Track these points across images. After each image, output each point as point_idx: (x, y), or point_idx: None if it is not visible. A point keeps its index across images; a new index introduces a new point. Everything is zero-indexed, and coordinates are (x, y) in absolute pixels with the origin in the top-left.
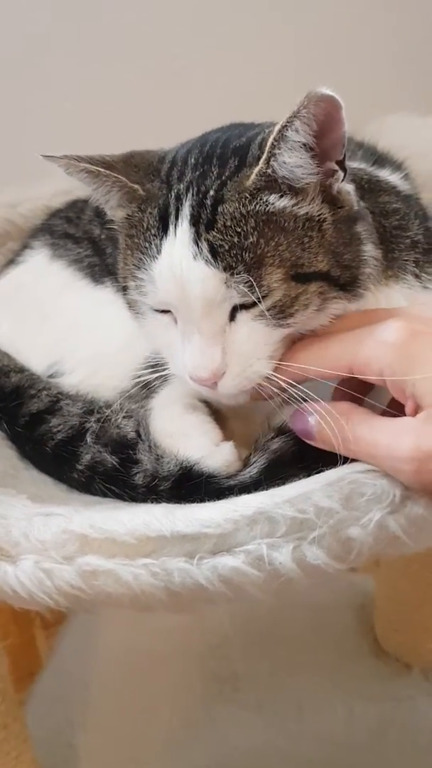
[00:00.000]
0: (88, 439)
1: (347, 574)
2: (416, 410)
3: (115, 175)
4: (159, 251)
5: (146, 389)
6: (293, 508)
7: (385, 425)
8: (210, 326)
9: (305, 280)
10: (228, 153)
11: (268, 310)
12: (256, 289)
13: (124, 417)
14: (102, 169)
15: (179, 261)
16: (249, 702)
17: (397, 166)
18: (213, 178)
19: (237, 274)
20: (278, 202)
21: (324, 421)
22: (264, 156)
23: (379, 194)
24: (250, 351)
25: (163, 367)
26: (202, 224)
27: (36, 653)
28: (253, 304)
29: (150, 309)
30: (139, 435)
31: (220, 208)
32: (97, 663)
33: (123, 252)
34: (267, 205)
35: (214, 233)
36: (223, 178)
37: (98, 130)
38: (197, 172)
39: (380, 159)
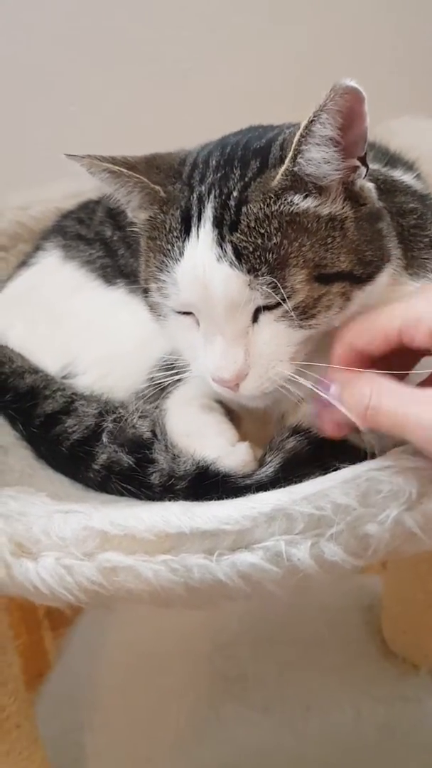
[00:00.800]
0: (104, 438)
1: (355, 575)
2: None
3: (137, 175)
4: (182, 253)
5: (160, 390)
6: (311, 505)
7: (416, 393)
8: (233, 328)
9: (328, 281)
10: (249, 155)
11: (291, 311)
12: (281, 290)
13: (139, 417)
14: (124, 170)
15: (202, 263)
16: (257, 702)
17: (409, 167)
18: (235, 179)
19: (261, 276)
20: (302, 203)
21: (348, 391)
22: (290, 154)
23: (395, 194)
24: (272, 352)
25: (177, 368)
26: (225, 226)
27: (44, 654)
28: (276, 305)
29: (172, 311)
30: (155, 435)
31: (243, 209)
32: (106, 663)
33: (145, 254)
34: (291, 206)
35: (238, 235)
36: (246, 179)
37: (105, 133)
38: (219, 174)
39: (392, 159)
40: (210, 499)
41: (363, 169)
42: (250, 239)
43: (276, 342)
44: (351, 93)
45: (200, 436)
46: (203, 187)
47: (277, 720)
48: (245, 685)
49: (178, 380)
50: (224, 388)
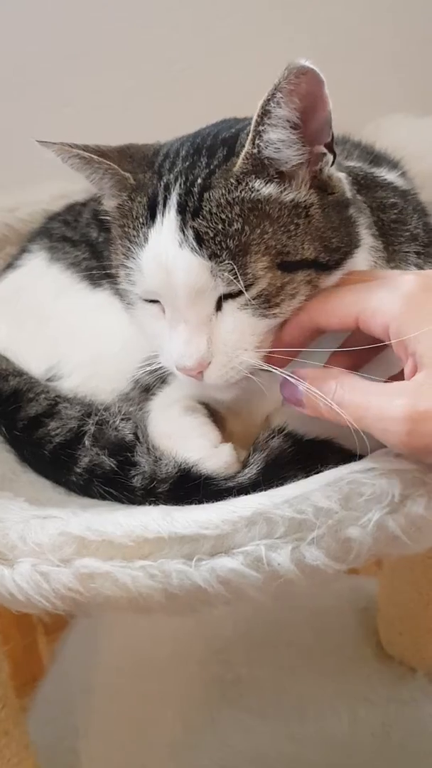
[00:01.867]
0: (86, 441)
1: (350, 576)
2: (415, 371)
3: (107, 162)
4: (146, 239)
5: (145, 391)
6: (292, 508)
7: (377, 387)
8: (195, 315)
9: (292, 269)
10: (217, 143)
11: (253, 299)
12: (240, 277)
13: (122, 419)
14: (94, 156)
15: (165, 249)
16: (252, 706)
17: (393, 165)
18: (202, 167)
19: (222, 262)
20: (264, 189)
21: (314, 387)
22: (249, 136)
23: (376, 189)
24: (235, 341)
25: (160, 368)
26: (188, 212)
27: (38, 658)
28: (239, 294)
29: (139, 299)
30: (137, 437)
31: (206, 195)
32: (100, 668)
33: (114, 242)
34: (252, 192)
35: (199, 220)
36: (212, 167)
37: (97, 135)
38: (187, 163)
39: (376, 158)
40: (193, 503)
41: (330, 157)
42: (211, 225)
43: (239, 330)
44: (307, 74)
45: (182, 437)
46: (171, 175)
47: (273, 724)
48: (240, 690)
49: (163, 381)
50: (188, 376)
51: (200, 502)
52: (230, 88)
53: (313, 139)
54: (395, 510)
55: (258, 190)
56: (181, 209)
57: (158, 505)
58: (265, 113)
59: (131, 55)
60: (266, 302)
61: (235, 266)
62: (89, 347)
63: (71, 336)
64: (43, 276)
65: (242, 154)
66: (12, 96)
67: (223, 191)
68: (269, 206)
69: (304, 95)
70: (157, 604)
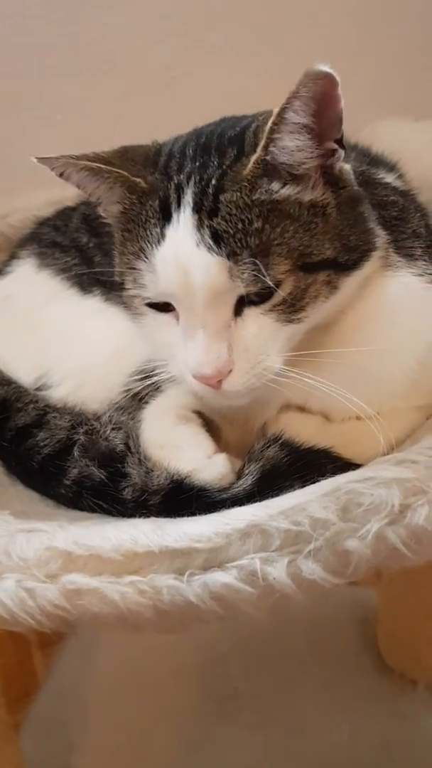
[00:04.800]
0: (76, 452)
1: (349, 588)
2: None
3: (117, 170)
4: (162, 237)
5: (137, 400)
6: (288, 520)
7: None
8: (214, 320)
9: (313, 270)
10: (225, 143)
11: (278, 305)
12: (266, 275)
13: (113, 429)
14: (103, 166)
15: (182, 247)
16: (250, 721)
17: (390, 168)
18: (214, 167)
19: (242, 262)
20: (282, 191)
21: None
22: (262, 143)
23: (375, 187)
24: (258, 347)
25: (154, 376)
26: (204, 211)
27: (33, 673)
28: (262, 300)
29: (149, 308)
30: (128, 447)
31: (222, 197)
32: (95, 683)
33: (119, 248)
34: (271, 194)
35: (218, 220)
36: (224, 167)
37: (90, 142)
38: (197, 163)
39: (374, 160)
40: (185, 515)
41: (341, 152)
42: (230, 225)
43: (263, 337)
44: (324, 78)
45: (175, 448)
46: (182, 176)
47: (270, 739)
48: (237, 704)
49: (156, 389)
50: (205, 386)
51: (193, 514)
52: (223, 94)
53: (325, 136)
54: (395, 521)
55: (276, 192)
56: (197, 208)
57: (150, 517)
58: (281, 120)
59: (123, 61)
60: (291, 306)
61: (259, 264)
62: (79, 355)
63: (61, 344)
64: (32, 282)
65: (253, 159)
66: (3, 103)
67: (240, 194)
68: (288, 206)
69: (320, 98)
70: (147, 622)
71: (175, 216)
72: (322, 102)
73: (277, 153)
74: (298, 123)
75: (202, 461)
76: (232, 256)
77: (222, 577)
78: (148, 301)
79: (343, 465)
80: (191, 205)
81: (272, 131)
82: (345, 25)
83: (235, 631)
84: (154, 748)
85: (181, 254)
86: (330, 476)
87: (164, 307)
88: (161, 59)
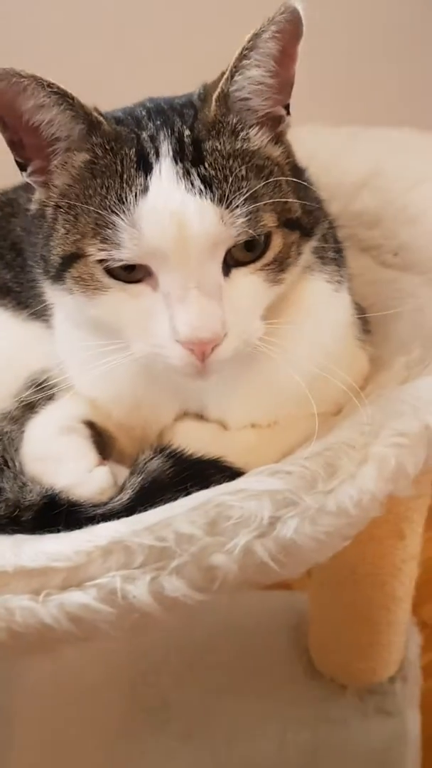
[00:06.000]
0: None
1: (282, 593)
2: None
3: (83, 104)
4: (145, 189)
5: (29, 409)
6: (152, 535)
7: None
8: (209, 277)
9: (292, 228)
10: (177, 107)
11: (268, 264)
12: (257, 225)
13: None
14: (71, 94)
15: (173, 195)
16: (178, 731)
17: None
18: (179, 123)
19: (234, 207)
20: (255, 138)
21: None
22: (227, 73)
23: None
24: (249, 309)
25: (47, 387)
26: (187, 160)
27: None
28: (251, 260)
29: (113, 280)
30: (5, 461)
31: (205, 146)
32: (20, 692)
33: (81, 206)
34: (249, 142)
35: (206, 167)
36: (190, 121)
37: None
38: (159, 121)
39: None
40: (59, 531)
41: (288, 119)
42: (218, 172)
43: (252, 297)
44: (296, 20)
45: (55, 461)
46: (151, 130)
47: (199, 749)
48: (167, 714)
49: (49, 399)
50: (190, 357)
51: (66, 530)
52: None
53: (281, 92)
54: (264, 534)
55: (251, 140)
56: (180, 157)
57: (22, 534)
58: (252, 47)
59: (117, 65)
60: (279, 265)
61: (250, 211)
62: None
63: None
64: None
65: (215, 96)
66: None
67: (224, 141)
68: (263, 160)
69: (287, 41)
70: (1, 645)
71: (156, 166)
72: (286, 47)
73: (240, 84)
74: (268, 53)
75: (81, 475)
76: (224, 201)
77: (79, 597)
78: (121, 263)
79: (233, 474)
80: (171, 154)
81: (242, 57)
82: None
83: (167, 640)
84: (81, 760)
85: (173, 202)
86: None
87: (131, 276)
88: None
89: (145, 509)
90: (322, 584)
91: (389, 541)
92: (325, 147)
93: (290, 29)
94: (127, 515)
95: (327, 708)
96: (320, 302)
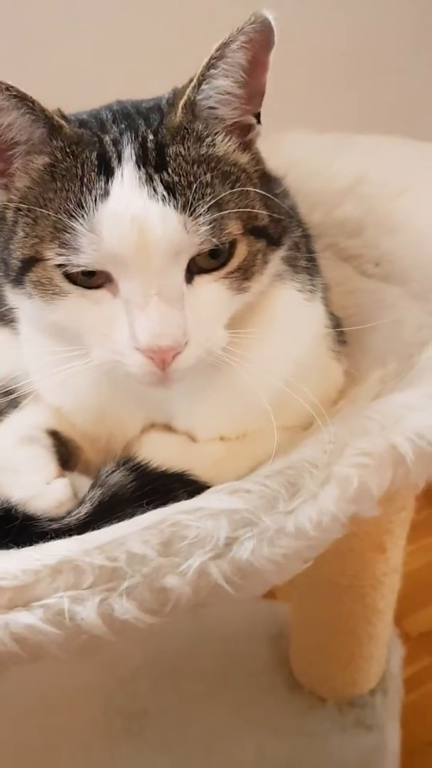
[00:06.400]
0: None
1: (265, 603)
2: None
3: (44, 107)
4: (106, 194)
5: None
6: (103, 555)
7: None
8: (171, 285)
9: (258, 236)
10: (144, 111)
11: (232, 272)
12: (221, 232)
13: None
14: (32, 97)
15: (135, 200)
16: (155, 740)
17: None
18: (144, 127)
19: (197, 215)
20: (221, 145)
21: None
22: (194, 82)
23: None
24: (212, 317)
25: (11, 392)
26: (150, 165)
27: None
28: (215, 268)
29: (72, 285)
30: None
31: (168, 151)
32: None
33: (39, 211)
34: (215, 148)
35: (168, 173)
36: (154, 127)
37: None
38: (123, 125)
39: None
40: (12, 546)
41: (259, 128)
42: (182, 178)
43: (215, 306)
44: (266, 30)
45: (12, 471)
46: (114, 134)
47: (175, 758)
48: (145, 722)
49: (14, 407)
50: (150, 366)
51: (17, 546)
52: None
53: (250, 100)
54: (219, 555)
55: (217, 146)
56: (143, 162)
57: None
58: (220, 57)
59: (77, 68)
60: (243, 273)
61: (214, 218)
62: None
63: None
64: None
65: (180, 104)
66: None
67: (188, 147)
68: (229, 166)
69: (257, 51)
70: None
71: (118, 171)
72: (256, 57)
73: (207, 94)
74: (235, 63)
75: (38, 487)
76: (187, 208)
77: (25, 618)
78: (80, 269)
79: (198, 489)
80: (134, 159)
81: (209, 66)
82: None
83: (147, 647)
84: (57, 767)
85: (135, 207)
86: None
87: (91, 282)
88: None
89: (103, 524)
90: (303, 595)
91: (370, 553)
92: (311, 153)
93: (260, 39)
94: (83, 531)
95: (306, 721)
96: (290, 312)
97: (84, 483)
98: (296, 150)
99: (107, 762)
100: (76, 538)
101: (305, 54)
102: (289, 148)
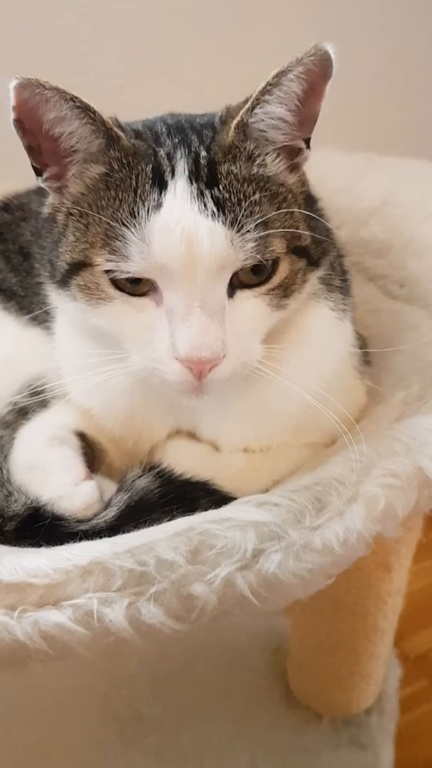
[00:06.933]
0: None
1: (265, 615)
2: None
3: (104, 118)
4: (159, 205)
5: (21, 415)
6: (133, 559)
7: None
8: (213, 297)
9: (299, 255)
10: (197, 126)
11: (273, 289)
12: (266, 250)
13: None
14: (93, 107)
15: (186, 214)
16: (149, 747)
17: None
18: (197, 143)
19: (244, 232)
20: (272, 165)
21: None
22: (248, 105)
23: None
24: (250, 332)
25: (42, 392)
26: (201, 181)
27: None
28: (257, 283)
29: (118, 292)
30: None
31: (220, 168)
32: None
33: (86, 219)
34: (265, 168)
35: (219, 190)
36: (207, 143)
37: None
38: (177, 139)
39: None
40: (41, 544)
41: (308, 153)
42: (232, 195)
43: (254, 321)
44: (326, 62)
45: (43, 471)
46: (168, 147)
47: (168, 766)
48: (139, 728)
49: (43, 406)
50: (188, 375)
51: (46, 544)
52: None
53: (302, 126)
54: (246, 566)
55: (267, 166)
56: (195, 178)
57: (3, 545)
58: (276, 84)
59: (71, 67)
60: (284, 290)
61: (260, 237)
62: None
63: None
64: None
65: (233, 124)
66: None
67: (240, 165)
68: (277, 186)
69: (314, 81)
70: None
71: (171, 184)
72: (313, 86)
73: (260, 117)
74: (291, 92)
75: (67, 488)
76: (235, 224)
77: (55, 616)
78: (127, 276)
79: (221, 499)
80: (187, 174)
81: (264, 92)
82: (280, 52)
83: (144, 653)
84: None
85: (185, 221)
86: (204, 510)
87: (136, 290)
88: (109, 67)
89: (129, 529)
90: (304, 611)
91: (376, 573)
92: (338, 172)
93: (318, 71)
94: (111, 534)
95: (300, 736)
96: (322, 329)
97: (108, 486)
98: (325, 168)
99: (98, 766)
100: (106, 540)
101: (337, 75)
102: (317, 166)
